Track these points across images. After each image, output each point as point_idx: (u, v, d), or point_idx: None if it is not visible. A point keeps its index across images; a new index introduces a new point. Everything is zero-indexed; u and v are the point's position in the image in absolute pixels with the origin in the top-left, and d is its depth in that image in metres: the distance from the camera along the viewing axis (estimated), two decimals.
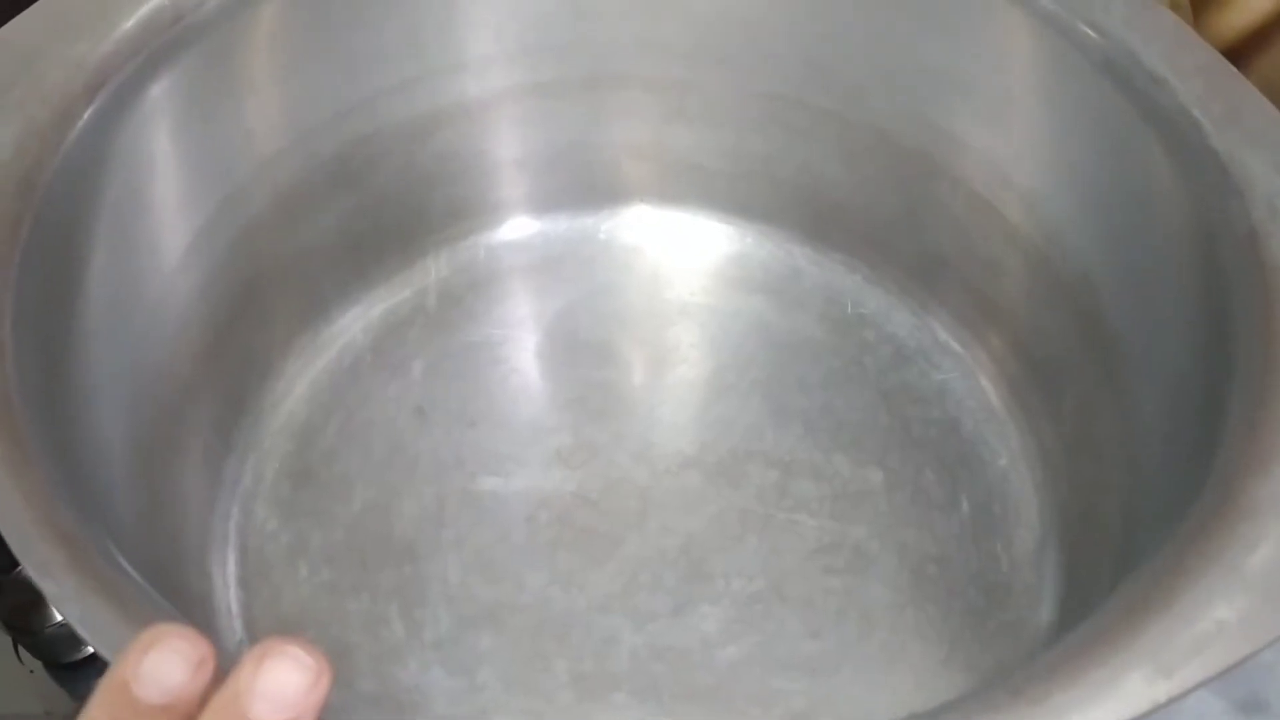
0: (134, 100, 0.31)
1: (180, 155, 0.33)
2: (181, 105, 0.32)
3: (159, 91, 0.31)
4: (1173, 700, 0.20)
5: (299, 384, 0.39)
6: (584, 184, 0.43)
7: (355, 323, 0.41)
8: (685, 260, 0.43)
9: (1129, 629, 0.21)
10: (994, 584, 0.35)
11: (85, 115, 0.29)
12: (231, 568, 0.36)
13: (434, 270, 0.42)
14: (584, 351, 0.41)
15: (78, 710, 0.19)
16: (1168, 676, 0.20)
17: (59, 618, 0.36)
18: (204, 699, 0.19)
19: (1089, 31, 0.31)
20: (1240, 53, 0.35)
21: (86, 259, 0.29)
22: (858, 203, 0.41)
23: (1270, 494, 0.22)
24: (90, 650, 0.37)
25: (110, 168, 0.30)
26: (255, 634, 0.34)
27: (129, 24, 0.31)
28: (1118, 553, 0.31)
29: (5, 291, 0.26)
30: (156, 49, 0.31)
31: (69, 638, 0.37)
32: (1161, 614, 0.21)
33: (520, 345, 0.41)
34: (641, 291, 0.42)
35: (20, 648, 0.38)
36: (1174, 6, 0.36)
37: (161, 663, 0.19)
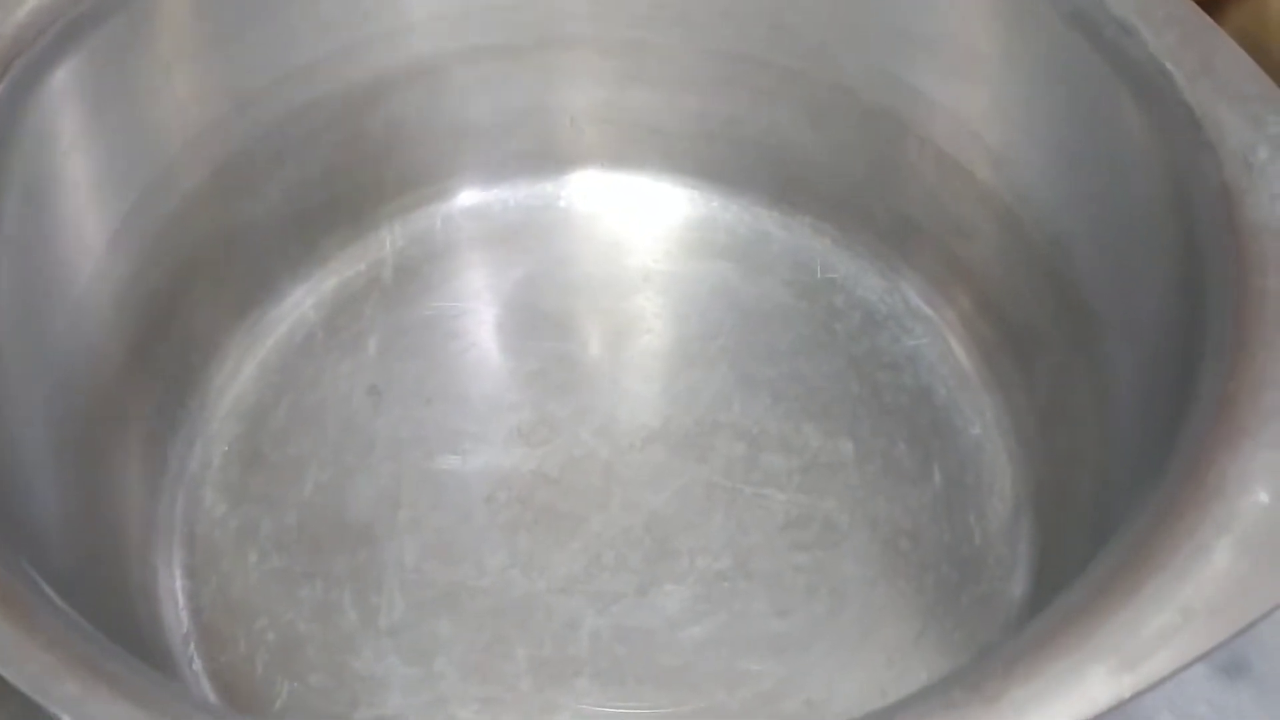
0: (48, 74, 0.29)
1: (103, 131, 0.32)
2: (101, 79, 0.31)
3: (76, 65, 0.30)
4: (1138, 695, 0.19)
5: (247, 364, 0.38)
6: (541, 150, 0.42)
7: (306, 298, 0.40)
8: (647, 227, 0.42)
9: (1092, 619, 0.20)
10: (967, 557, 0.35)
11: None
12: (177, 556, 0.34)
13: (389, 242, 0.41)
14: (544, 324, 0.40)
15: None
16: (1132, 670, 0.19)
17: None
18: None
19: None
20: (1215, 2, 0.34)
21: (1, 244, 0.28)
22: (825, 164, 0.40)
23: (1241, 471, 0.21)
24: None
25: (24, 147, 0.29)
26: (202, 625, 0.33)
27: None
28: (1092, 524, 0.30)
29: None
30: (74, 18, 0.30)
31: None
32: (1126, 602, 0.20)
33: (478, 318, 0.40)
34: (603, 260, 0.41)
35: None
36: None
37: None
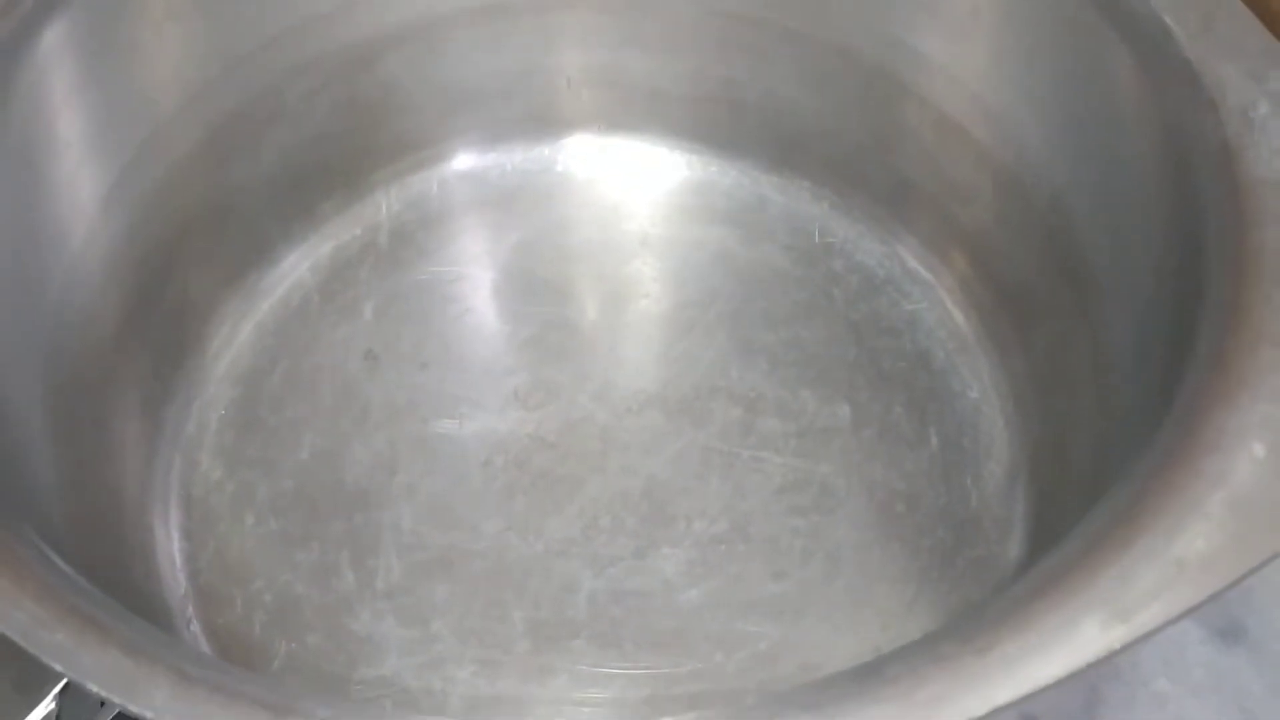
0: (38, 35, 0.29)
1: (94, 91, 0.32)
2: (91, 38, 0.31)
3: (68, 22, 0.30)
4: (1128, 647, 0.19)
5: (243, 328, 0.38)
6: (538, 113, 0.41)
7: (302, 262, 0.40)
8: (645, 191, 0.42)
9: (1085, 572, 0.20)
10: (963, 520, 0.35)
11: None
12: (175, 519, 0.35)
13: (385, 206, 0.41)
14: (541, 288, 0.40)
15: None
16: (1124, 621, 0.19)
17: None
18: None
19: None
20: None
21: None
22: (823, 127, 0.40)
23: (1238, 425, 0.21)
24: None
25: (16, 106, 0.28)
26: (200, 587, 0.33)
27: None
28: (1088, 487, 0.30)
29: None
30: None
31: None
32: (1120, 554, 0.20)
33: (475, 283, 0.40)
34: (600, 224, 0.41)
35: None
36: None
37: None
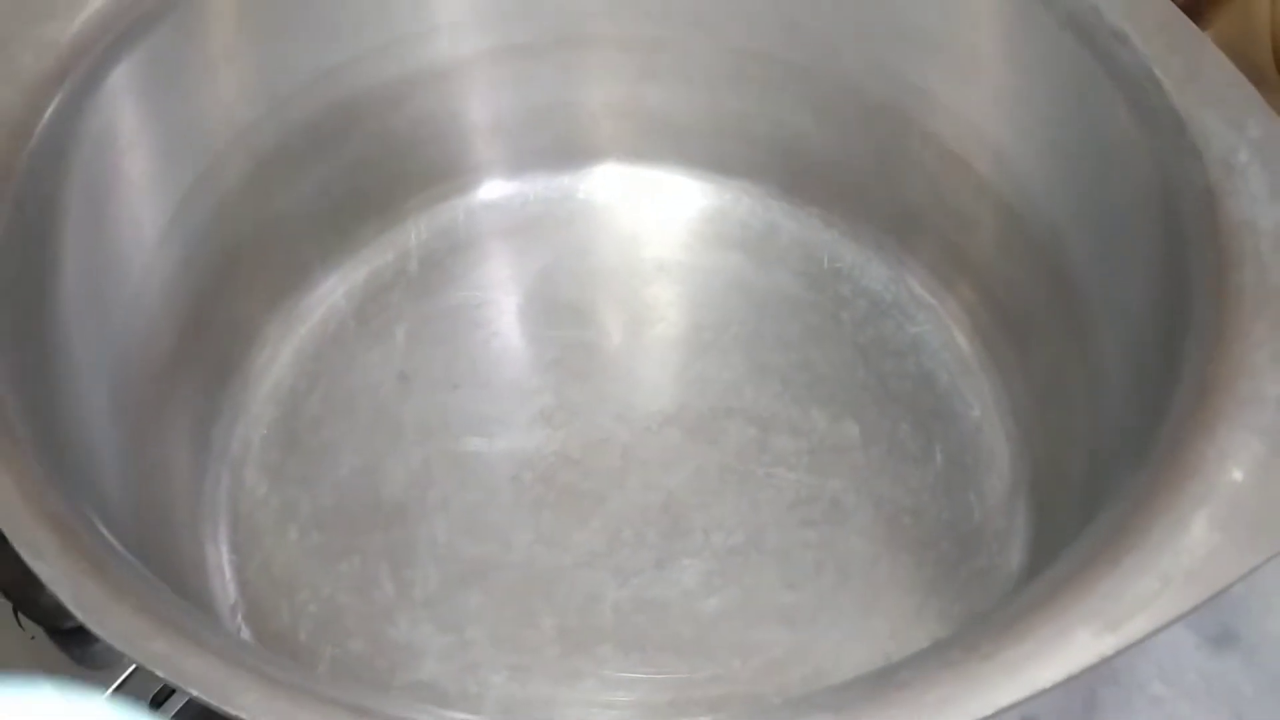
0: (106, 78, 0.31)
1: (156, 130, 0.33)
2: (154, 80, 0.32)
3: (131, 68, 0.32)
4: (1120, 653, 0.21)
5: (284, 350, 0.40)
6: (560, 144, 0.43)
7: (338, 287, 0.41)
8: (662, 218, 0.43)
9: (1079, 586, 0.22)
10: (966, 533, 0.36)
11: (58, 97, 0.29)
12: (223, 533, 0.36)
13: (414, 234, 0.42)
14: (564, 312, 0.41)
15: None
16: (1114, 630, 0.21)
17: None
18: None
19: None
20: (1198, 9, 0.35)
21: (63, 240, 0.29)
22: (832, 158, 0.41)
23: (1216, 452, 0.23)
24: None
25: (84, 147, 0.30)
26: (248, 597, 0.35)
27: (99, 2, 0.31)
28: (1084, 501, 0.32)
29: None
30: (127, 25, 0.31)
31: None
32: (1110, 571, 0.22)
33: (501, 308, 0.42)
34: (619, 250, 0.43)
35: (20, 614, 0.39)
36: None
37: None
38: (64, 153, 0.30)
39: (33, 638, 0.39)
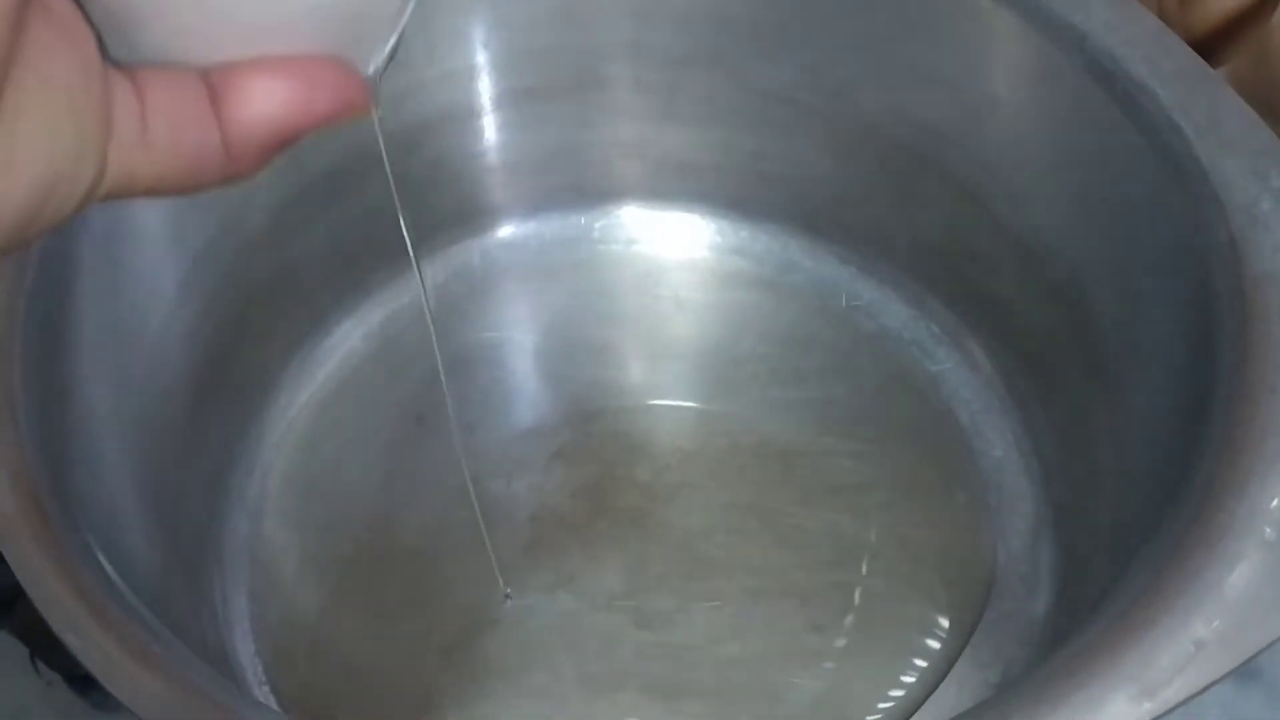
0: None
1: None
2: None
3: None
4: None
5: (301, 395, 0.40)
6: (576, 185, 0.43)
7: (355, 330, 0.41)
8: (679, 257, 0.43)
9: (1112, 651, 0.22)
10: (991, 575, 0.36)
11: None
12: (243, 581, 0.36)
13: (430, 276, 0.42)
14: (581, 351, 0.41)
15: None
16: (1151, 697, 0.21)
17: None
18: None
19: (1072, 35, 0.31)
20: (1212, 47, 0.35)
21: (82, 298, 0.29)
22: (849, 197, 0.41)
23: (1247, 511, 0.23)
24: None
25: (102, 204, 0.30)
26: (267, 646, 0.35)
27: None
28: (1111, 546, 0.32)
29: (13, 342, 0.26)
30: None
31: None
32: (1143, 635, 0.22)
33: (518, 348, 0.42)
34: (636, 289, 0.43)
35: (38, 660, 0.39)
36: None
37: None
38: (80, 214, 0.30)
39: (49, 684, 0.39)
